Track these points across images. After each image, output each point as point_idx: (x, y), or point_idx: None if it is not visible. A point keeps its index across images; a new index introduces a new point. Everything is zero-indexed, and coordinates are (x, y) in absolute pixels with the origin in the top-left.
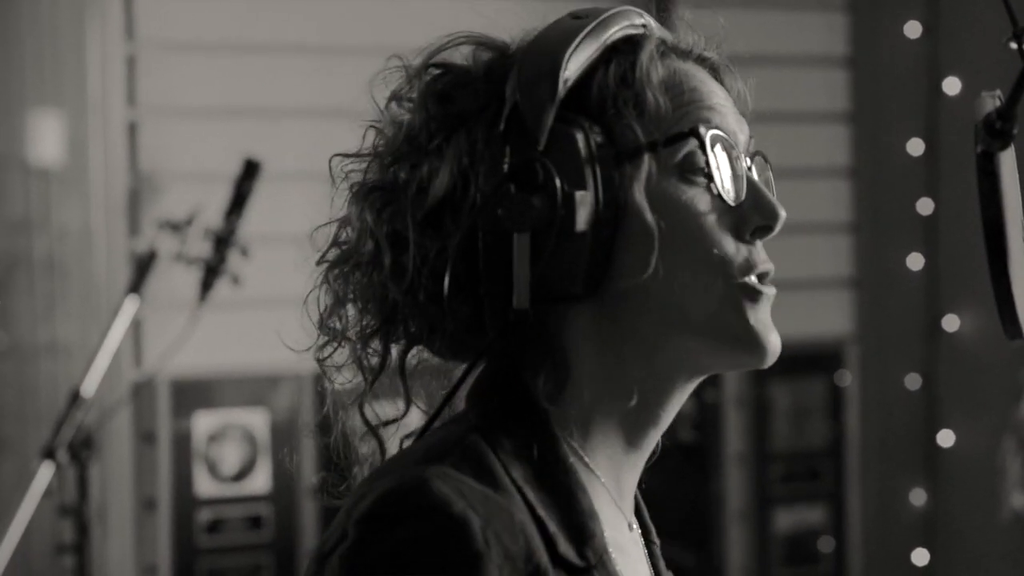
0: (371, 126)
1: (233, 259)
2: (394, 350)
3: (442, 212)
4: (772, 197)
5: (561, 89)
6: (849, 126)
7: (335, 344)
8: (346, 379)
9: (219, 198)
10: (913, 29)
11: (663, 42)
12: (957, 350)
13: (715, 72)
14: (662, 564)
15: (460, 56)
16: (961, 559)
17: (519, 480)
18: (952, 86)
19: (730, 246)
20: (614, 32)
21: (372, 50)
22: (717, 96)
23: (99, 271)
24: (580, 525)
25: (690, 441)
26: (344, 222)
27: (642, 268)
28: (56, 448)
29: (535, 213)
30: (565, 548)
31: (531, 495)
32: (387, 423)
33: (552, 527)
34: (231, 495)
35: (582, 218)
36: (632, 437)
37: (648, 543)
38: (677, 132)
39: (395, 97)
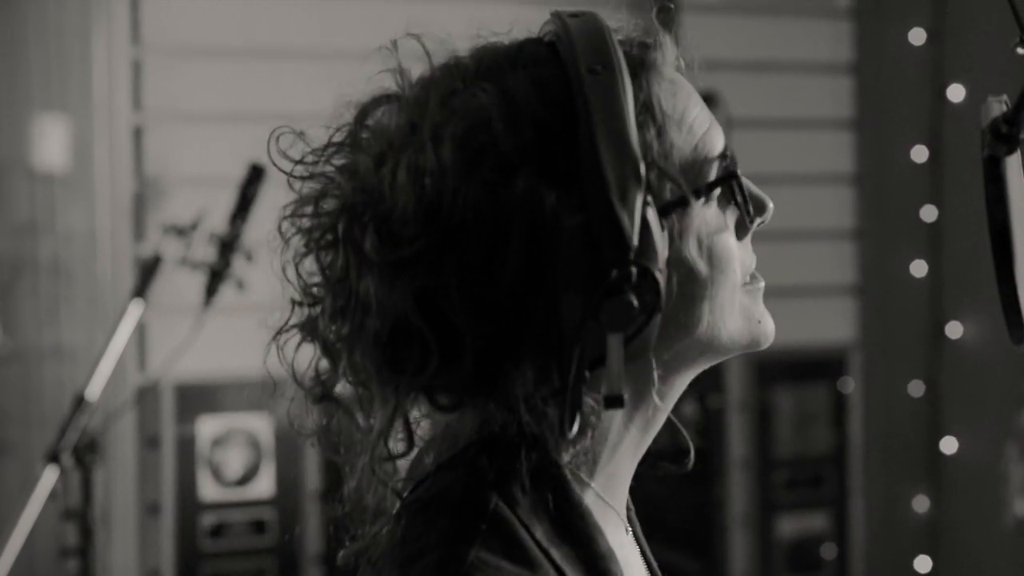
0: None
1: (238, 264)
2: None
3: (510, 303)
4: (759, 189)
5: (644, 177)
6: (853, 133)
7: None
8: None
9: (224, 203)
10: (917, 36)
11: (655, 63)
12: (960, 357)
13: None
14: (641, 535)
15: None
16: (964, 566)
17: (543, 542)
18: (956, 93)
19: (742, 258)
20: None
21: (378, 55)
22: (706, 109)
23: (104, 275)
24: (604, 571)
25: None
26: (339, 286)
27: (697, 321)
28: (60, 452)
29: (634, 313)
30: None
31: (556, 555)
32: (394, 458)
33: None
34: (235, 499)
35: (665, 294)
36: (639, 448)
37: (630, 516)
38: (719, 178)
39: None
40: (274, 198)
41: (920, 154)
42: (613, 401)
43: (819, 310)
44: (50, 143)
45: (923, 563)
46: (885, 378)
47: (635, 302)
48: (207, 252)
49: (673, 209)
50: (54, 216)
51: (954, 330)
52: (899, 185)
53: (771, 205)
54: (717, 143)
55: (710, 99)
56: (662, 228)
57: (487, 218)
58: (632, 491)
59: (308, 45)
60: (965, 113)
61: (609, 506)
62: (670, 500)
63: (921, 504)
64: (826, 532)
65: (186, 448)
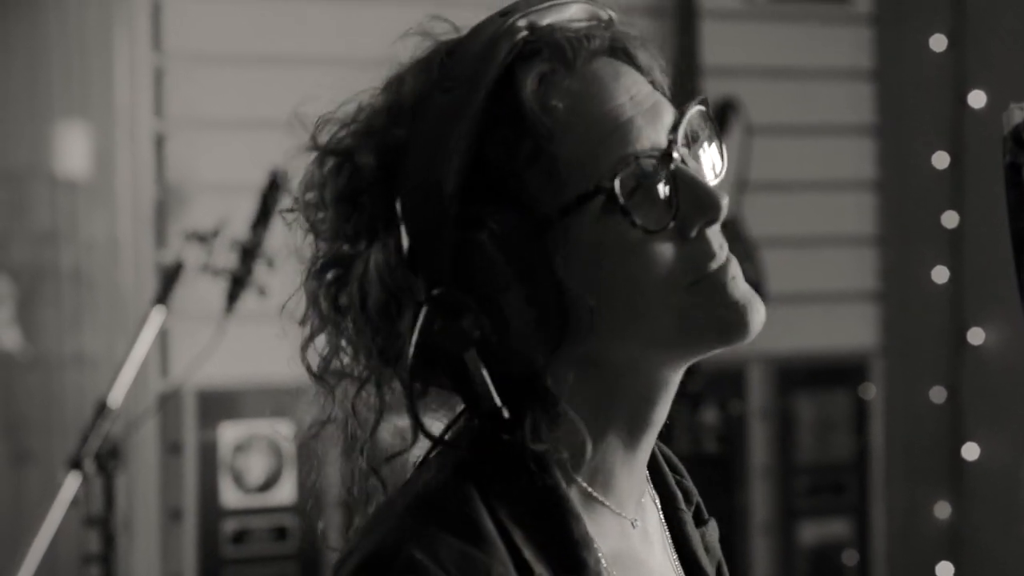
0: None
1: (259, 270)
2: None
3: (388, 305)
4: (708, 187)
5: (450, 207)
6: (874, 139)
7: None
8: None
9: (245, 209)
10: (938, 42)
11: (549, 63)
12: (982, 363)
13: (619, 54)
14: (689, 529)
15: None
16: (986, 572)
17: (507, 521)
18: (978, 99)
19: (672, 259)
20: (489, 80)
21: (399, 63)
22: (622, 102)
23: (126, 282)
24: (572, 557)
25: (714, 453)
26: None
27: (589, 330)
28: (83, 458)
29: (469, 336)
30: None
31: (519, 536)
32: (390, 457)
33: (539, 569)
34: (256, 506)
35: (517, 316)
36: (630, 444)
37: (677, 510)
38: (583, 193)
39: (307, 186)
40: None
41: (942, 160)
42: (491, 415)
43: (840, 316)
44: (71, 151)
45: (945, 569)
46: (907, 384)
47: (468, 326)
48: (229, 259)
49: (547, 228)
50: (76, 224)
51: (976, 336)
52: (920, 191)
53: (723, 204)
54: (619, 149)
55: (729, 106)
56: (525, 246)
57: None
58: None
59: (330, 52)
60: (986, 119)
61: (597, 499)
62: None
63: (943, 510)
64: (847, 539)
65: (208, 454)
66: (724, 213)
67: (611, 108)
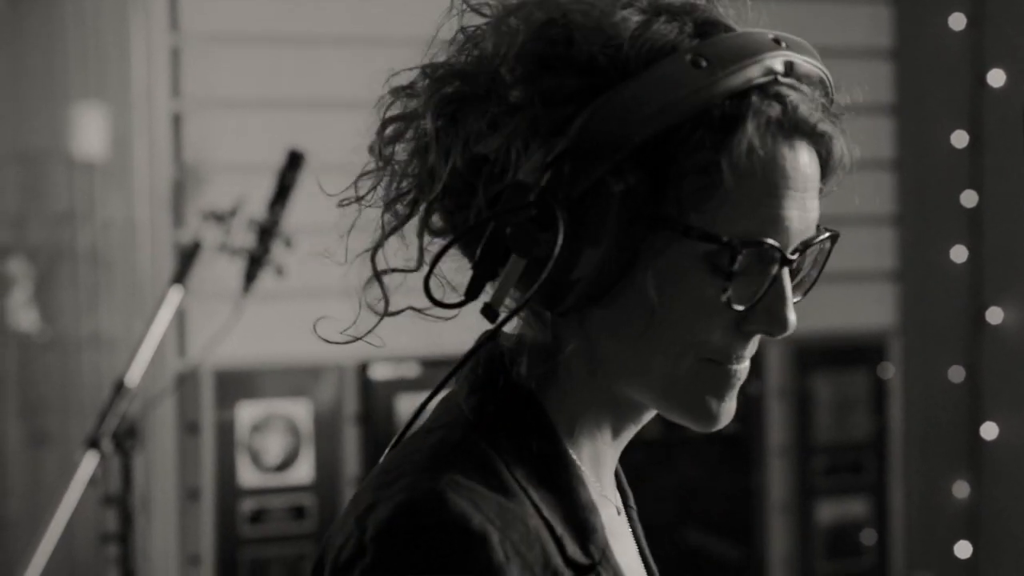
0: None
1: (277, 250)
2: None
3: (479, 164)
4: (788, 310)
5: (627, 152)
6: (893, 118)
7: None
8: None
9: (263, 189)
10: (957, 21)
11: (776, 114)
12: (1001, 343)
13: (816, 146)
14: (639, 528)
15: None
16: (1004, 552)
17: (523, 481)
18: (997, 78)
19: (719, 336)
20: (737, 86)
21: (417, 41)
22: (795, 194)
23: (143, 263)
24: (583, 521)
25: (732, 433)
26: (402, 118)
27: (626, 327)
28: (100, 438)
29: (535, 250)
30: (572, 549)
31: (535, 496)
32: (394, 270)
33: (559, 528)
34: (274, 485)
35: (579, 271)
36: (616, 429)
37: (626, 507)
38: (721, 236)
39: (488, 30)
40: (312, 184)
41: (960, 139)
42: (486, 311)
43: (859, 296)
44: (89, 132)
45: (963, 549)
46: (925, 364)
47: (543, 243)
48: (246, 238)
49: (665, 229)
50: (93, 205)
51: (994, 316)
52: (939, 170)
53: (790, 329)
54: (763, 228)
55: None
56: (636, 222)
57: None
58: (666, 480)
59: (347, 31)
60: (1006, 98)
61: (592, 479)
62: (709, 487)
63: (961, 490)
64: (866, 518)
65: (225, 434)
66: (785, 335)
67: (786, 192)
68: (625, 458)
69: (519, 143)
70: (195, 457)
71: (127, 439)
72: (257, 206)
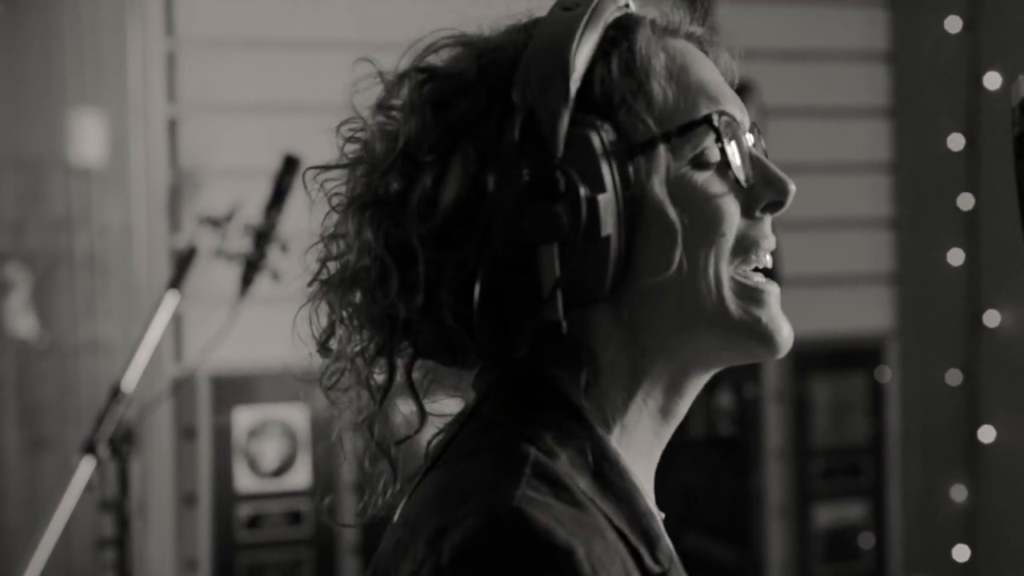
0: (349, 138)
1: (273, 254)
2: (399, 364)
3: (453, 225)
4: (777, 169)
5: (573, 90)
6: (889, 121)
7: (341, 368)
8: (351, 400)
9: (259, 194)
10: (954, 24)
11: (654, 23)
12: (998, 346)
13: (702, 46)
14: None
15: (437, 58)
16: (1002, 554)
17: (588, 492)
18: (993, 81)
19: (742, 227)
20: (607, 17)
21: (411, 47)
22: (717, 76)
23: (140, 268)
24: (647, 529)
25: (730, 436)
26: (332, 238)
27: (667, 264)
28: (97, 443)
29: (560, 223)
30: (648, 559)
31: (603, 507)
32: (400, 442)
33: (633, 540)
34: (271, 490)
35: (608, 221)
36: (658, 429)
37: None
38: (690, 121)
39: (379, 107)
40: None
41: (957, 142)
42: (552, 326)
43: (856, 299)
44: (85, 137)
45: (961, 552)
46: (922, 367)
47: (561, 213)
48: (242, 243)
49: (645, 151)
50: (90, 210)
51: (992, 319)
52: (936, 173)
53: (792, 187)
54: (714, 103)
55: (745, 88)
56: (620, 163)
57: (432, 139)
58: (664, 483)
59: (343, 36)
60: (1002, 101)
61: (636, 479)
62: (707, 490)
63: (959, 493)
64: (863, 521)
65: (222, 439)
66: (791, 196)
67: (708, 75)
68: None
69: (474, 170)
70: (192, 462)
71: (124, 444)
72: (253, 211)
